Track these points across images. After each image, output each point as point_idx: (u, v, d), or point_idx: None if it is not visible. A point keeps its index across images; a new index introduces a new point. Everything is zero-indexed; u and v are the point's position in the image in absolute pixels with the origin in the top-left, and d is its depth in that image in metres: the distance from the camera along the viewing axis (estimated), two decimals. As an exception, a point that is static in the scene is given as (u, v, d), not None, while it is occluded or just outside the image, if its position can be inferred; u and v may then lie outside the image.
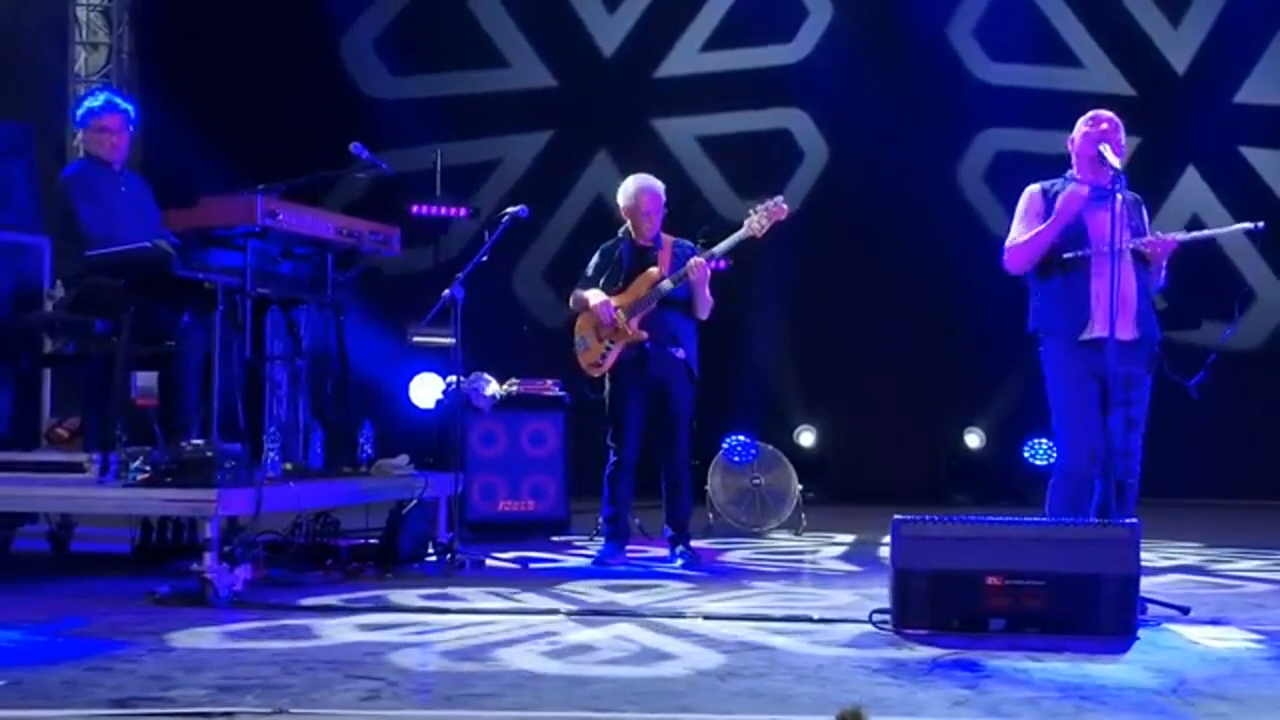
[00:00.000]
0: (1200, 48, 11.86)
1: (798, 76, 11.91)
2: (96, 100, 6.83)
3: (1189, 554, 7.58)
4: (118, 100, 6.83)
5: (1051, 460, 8.61)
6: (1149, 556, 6.52)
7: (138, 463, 5.55)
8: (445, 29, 12.09)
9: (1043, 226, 5.53)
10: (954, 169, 11.89)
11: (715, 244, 6.96)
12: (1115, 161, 5.36)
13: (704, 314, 6.94)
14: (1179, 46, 11.92)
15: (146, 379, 6.70)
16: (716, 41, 12.08)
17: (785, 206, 6.81)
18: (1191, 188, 11.60)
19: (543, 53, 12.18)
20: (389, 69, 12.08)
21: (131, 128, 6.79)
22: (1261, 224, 5.54)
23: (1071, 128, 5.64)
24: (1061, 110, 11.01)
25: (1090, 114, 5.65)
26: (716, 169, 12.03)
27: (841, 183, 11.79)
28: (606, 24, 12.18)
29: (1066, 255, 5.46)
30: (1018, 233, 5.66)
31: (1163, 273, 5.58)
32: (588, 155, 11.90)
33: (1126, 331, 5.39)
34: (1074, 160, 5.67)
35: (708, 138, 12.10)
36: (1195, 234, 5.70)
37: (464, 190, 10.78)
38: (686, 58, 12.14)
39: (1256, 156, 11.71)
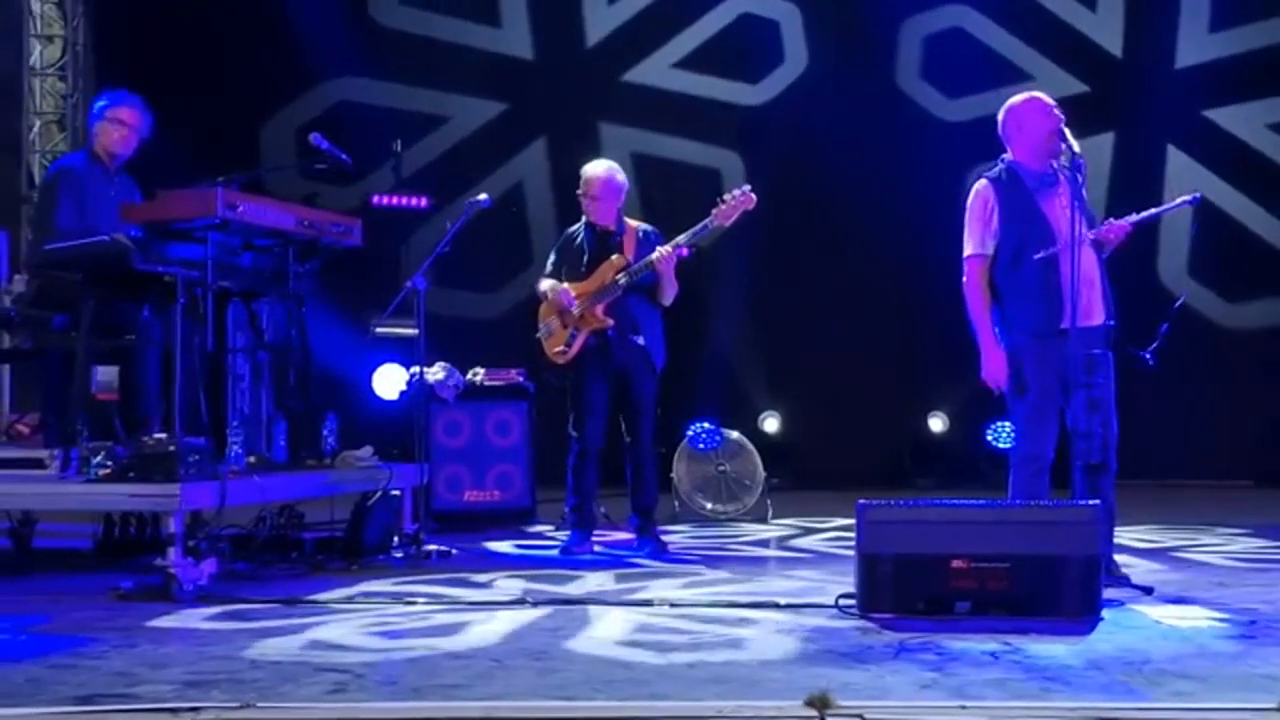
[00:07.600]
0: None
1: None
2: (116, 94, 6.87)
3: (1151, 534, 7.64)
4: (136, 97, 6.83)
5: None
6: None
7: (99, 458, 5.52)
8: (366, 123, 11.30)
9: (983, 326, 5.58)
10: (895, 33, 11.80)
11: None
12: (1076, 146, 5.39)
13: (668, 300, 6.94)
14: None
15: (106, 373, 6.66)
16: None
17: (753, 196, 6.80)
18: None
19: (474, 92, 12.07)
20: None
21: (145, 128, 6.72)
22: (1199, 194, 5.63)
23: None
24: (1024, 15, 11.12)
25: (1032, 98, 5.62)
26: (714, 75, 12.00)
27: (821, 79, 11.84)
28: (505, 39, 12.11)
29: (1037, 255, 5.44)
30: (976, 244, 5.61)
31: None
32: (590, 132, 11.75)
33: (1096, 316, 5.41)
34: (1013, 142, 5.62)
35: (685, 58, 12.01)
36: (1145, 214, 5.72)
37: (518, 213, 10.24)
38: (600, 19, 12.11)
39: (1173, 159, 11.56)
